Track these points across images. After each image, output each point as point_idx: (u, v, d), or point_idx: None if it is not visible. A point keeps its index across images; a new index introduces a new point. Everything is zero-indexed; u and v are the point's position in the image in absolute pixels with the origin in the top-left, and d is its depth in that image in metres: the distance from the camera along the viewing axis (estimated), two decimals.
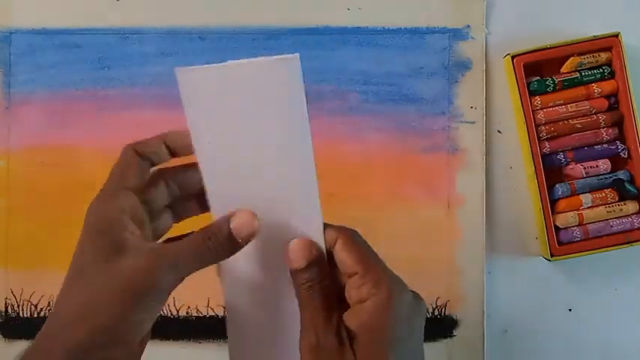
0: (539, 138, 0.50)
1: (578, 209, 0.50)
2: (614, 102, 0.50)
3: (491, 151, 0.52)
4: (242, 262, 0.36)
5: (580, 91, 0.50)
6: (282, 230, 0.35)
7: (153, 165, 0.37)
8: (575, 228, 0.49)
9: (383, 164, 0.52)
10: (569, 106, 0.50)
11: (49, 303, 0.51)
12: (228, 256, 0.34)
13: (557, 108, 0.50)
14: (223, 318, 0.51)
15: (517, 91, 0.50)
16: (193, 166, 0.36)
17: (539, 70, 0.51)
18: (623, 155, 0.50)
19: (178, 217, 0.39)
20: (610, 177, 0.50)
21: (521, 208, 0.52)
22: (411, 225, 0.51)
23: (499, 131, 0.52)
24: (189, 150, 0.36)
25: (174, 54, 0.52)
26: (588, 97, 0.50)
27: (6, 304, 0.51)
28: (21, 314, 0.51)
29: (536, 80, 0.50)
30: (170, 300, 0.51)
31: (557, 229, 0.50)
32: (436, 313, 0.51)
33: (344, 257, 0.34)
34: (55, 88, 0.52)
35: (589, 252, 0.49)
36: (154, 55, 0.52)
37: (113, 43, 0.52)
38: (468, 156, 0.52)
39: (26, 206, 0.51)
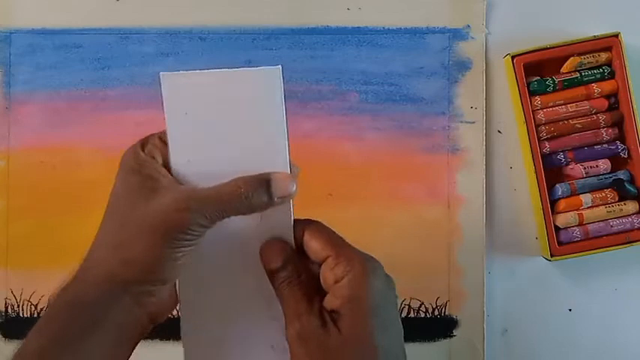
0: (539, 138, 0.50)
1: (578, 209, 0.50)
2: (614, 102, 0.50)
3: (491, 151, 0.52)
4: (207, 262, 0.37)
5: (580, 91, 0.50)
6: (255, 232, 0.36)
7: None
8: (575, 228, 0.49)
9: (383, 164, 0.52)
10: (569, 106, 0.50)
11: (49, 303, 0.51)
12: (258, 211, 0.35)
13: (557, 108, 0.50)
14: None
15: (517, 91, 0.50)
16: None
17: (539, 70, 0.51)
18: (623, 155, 0.50)
19: None
20: (610, 177, 0.50)
21: (521, 208, 0.52)
22: (411, 225, 0.51)
23: (499, 131, 0.52)
24: None
25: (174, 54, 0.52)
26: (588, 97, 0.50)
27: (6, 304, 0.51)
28: (21, 314, 0.51)
29: (536, 80, 0.50)
30: None
31: (557, 229, 0.50)
32: (436, 313, 0.51)
33: (314, 245, 0.35)
34: (55, 88, 0.52)
35: (589, 252, 0.49)
36: (154, 55, 0.52)
37: (113, 43, 0.52)
38: (468, 156, 0.52)
39: (26, 206, 0.51)
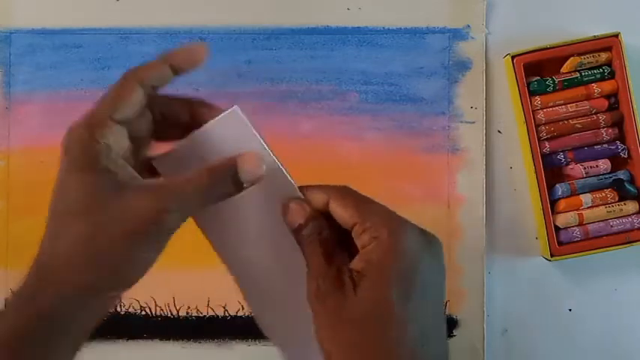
0: (539, 138, 0.50)
1: (578, 209, 0.50)
2: (614, 102, 0.50)
3: (491, 151, 0.52)
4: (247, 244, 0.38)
5: (580, 91, 0.50)
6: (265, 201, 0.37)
7: (155, 89, 0.35)
8: (575, 228, 0.49)
9: (383, 164, 0.52)
10: (569, 106, 0.50)
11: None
12: (229, 197, 0.34)
13: (557, 108, 0.50)
14: (223, 318, 0.51)
15: (517, 91, 0.50)
16: (180, 99, 0.36)
17: (539, 70, 0.51)
18: (623, 155, 0.50)
19: (156, 141, 0.38)
20: (610, 177, 0.50)
21: (521, 208, 0.52)
22: None
23: (499, 131, 0.52)
24: (195, 65, 0.36)
25: None
26: (588, 97, 0.50)
27: (6, 304, 0.51)
28: None
29: (536, 80, 0.50)
30: (170, 300, 0.51)
31: (557, 229, 0.50)
32: None
33: (340, 213, 0.35)
34: (55, 88, 0.52)
35: (589, 252, 0.49)
36: (154, 55, 0.51)
37: (113, 43, 0.52)
38: (468, 156, 0.52)
39: (26, 206, 0.51)
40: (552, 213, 0.50)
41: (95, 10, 0.52)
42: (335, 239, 0.35)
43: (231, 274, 0.38)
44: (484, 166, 0.52)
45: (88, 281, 0.32)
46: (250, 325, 0.50)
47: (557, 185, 0.50)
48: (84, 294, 0.32)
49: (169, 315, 0.51)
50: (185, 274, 0.51)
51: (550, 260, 0.49)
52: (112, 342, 0.51)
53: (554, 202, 0.50)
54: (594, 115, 0.50)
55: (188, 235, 0.49)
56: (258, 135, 0.37)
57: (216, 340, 0.51)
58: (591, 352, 0.52)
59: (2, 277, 0.51)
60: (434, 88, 0.52)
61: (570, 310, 0.52)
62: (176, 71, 0.35)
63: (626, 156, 0.50)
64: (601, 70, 0.50)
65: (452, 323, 0.51)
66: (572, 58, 0.50)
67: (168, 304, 0.51)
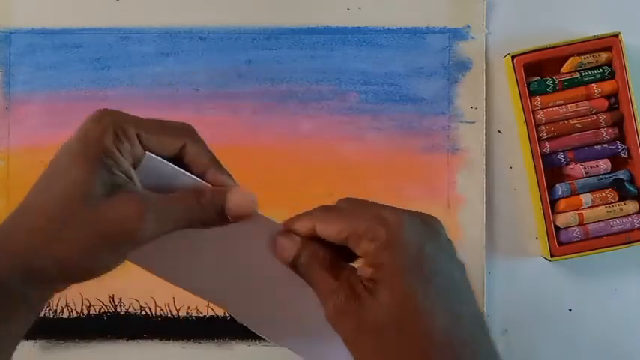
0: (539, 138, 0.50)
1: (578, 209, 0.50)
2: (614, 102, 0.50)
3: (491, 151, 0.52)
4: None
5: (580, 91, 0.50)
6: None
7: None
8: (575, 228, 0.49)
9: (383, 164, 0.51)
10: (569, 106, 0.50)
11: (48, 303, 0.51)
12: (213, 227, 0.33)
13: (557, 108, 0.50)
14: (223, 318, 0.51)
15: (517, 91, 0.50)
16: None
17: (539, 70, 0.51)
18: (623, 155, 0.50)
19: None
20: (610, 177, 0.50)
21: (521, 208, 0.52)
22: None
23: (499, 131, 0.52)
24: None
25: (174, 54, 0.52)
26: (588, 97, 0.50)
27: None
28: None
29: (536, 80, 0.50)
30: (170, 300, 0.51)
31: (557, 229, 0.50)
32: None
33: (329, 232, 0.34)
34: (55, 88, 0.52)
35: (589, 252, 0.49)
36: (154, 55, 0.52)
37: (113, 43, 0.52)
38: (468, 156, 0.52)
39: None
40: (552, 213, 0.50)
41: (95, 10, 0.52)
42: (334, 255, 0.34)
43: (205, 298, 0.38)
44: (484, 166, 0.52)
45: (42, 263, 0.31)
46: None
47: (557, 185, 0.50)
48: (34, 274, 0.31)
49: (169, 315, 0.51)
50: None
51: (550, 260, 0.49)
52: (112, 342, 0.51)
53: (554, 202, 0.50)
54: (594, 115, 0.50)
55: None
56: (185, 172, 0.34)
57: (216, 340, 0.51)
58: (591, 352, 0.52)
59: None
60: (434, 88, 0.52)
61: (570, 310, 0.52)
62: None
63: (626, 156, 0.50)
64: (601, 70, 0.50)
65: None
66: (572, 58, 0.50)
67: (168, 304, 0.51)
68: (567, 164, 0.50)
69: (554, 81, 0.50)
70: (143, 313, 0.51)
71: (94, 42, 0.52)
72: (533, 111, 0.50)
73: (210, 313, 0.51)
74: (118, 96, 0.52)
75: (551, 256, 0.49)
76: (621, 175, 0.50)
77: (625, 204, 0.50)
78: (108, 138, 0.32)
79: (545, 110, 0.50)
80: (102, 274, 0.32)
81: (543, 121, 0.50)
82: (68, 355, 0.51)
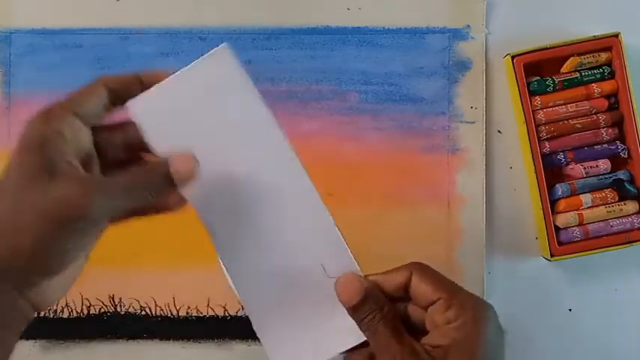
0: (539, 138, 0.50)
1: (578, 209, 0.50)
2: (614, 102, 0.50)
3: (491, 151, 0.52)
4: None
5: (580, 91, 0.50)
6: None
7: (121, 100, 0.35)
8: (575, 228, 0.49)
9: (383, 164, 0.52)
10: (569, 106, 0.50)
11: None
12: (161, 196, 0.34)
13: (557, 108, 0.50)
14: (224, 318, 0.51)
15: (517, 91, 0.50)
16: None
17: (539, 70, 0.51)
18: (623, 155, 0.50)
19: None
20: (610, 177, 0.50)
21: (521, 208, 0.52)
22: (411, 225, 0.51)
23: (499, 131, 0.52)
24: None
25: (174, 54, 0.52)
26: (588, 97, 0.50)
27: None
28: None
29: (536, 80, 0.50)
30: (170, 300, 0.51)
31: (557, 229, 0.50)
32: None
33: (423, 288, 0.35)
34: (55, 88, 0.52)
35: (589, 252, 0.49)
36: (154, 55, 0.52)
37: (113, 43, 0.52)
38: (468, 156, 0.52)
39: None
40: (552, 213, 0.50)
41: (95, 10, 0.52)
42: (396, 314, 0.35)
43: (227, 274, 0.38)
44: (484, 166, 0.52)
45: (2, 258, 0.31)
46: (250, 325, 0.50)
47: (557, 185, 0.50)
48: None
49: (169, 315, 0.51)
50: (185, 274, 0.51)
51: (550, 260, 0.49)
52: (112, 342, 0.51)
53: (554, 202, 0.50)
54: (594, 115, 0.50)
55: (188, 235, 0.49)
56: (250, 84, 0.36)
57: (216, 340, 0.51)
58: (591, 352, 0.52)
59: None
60: (434, 88, 0.52)
61: (570, 310, 0.52)
62: (143, 87, 0.35)
63: (626, 156, 0.50)
64: (601, 70, 0.50)
65: None
66: (572, 58, 0.50)
67: (168, 304, 0.51)
68: (567, 164, 0.50)
69: (554, 81, 0.50)
70: (143, 313, 0.51)
71: (94, 42, 0.52)
72: (533, 111, 0.50)
73: (210, 313, 0.51)
74: None
75: (551, 256, 0.49)
76: (621, 175, 0.50)
77: (625, 204, 0.50)
78: (38, 126, 0.32)
79: (545, 110, 0.50)
80: (62, 268, 0.32)
81: (543, 121, 0.50)
82: (68, 355, 0.51)
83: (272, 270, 0.38)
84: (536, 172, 0.49)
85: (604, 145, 0.50)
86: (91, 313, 0.51)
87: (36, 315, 0.34)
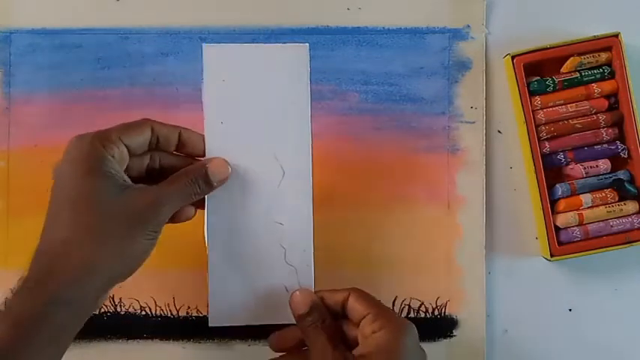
0: (539, 138, 0.50)
1: (578, 209, 0.50)
2: (614, 102, 0.50)
3: (491, 151, 0.52)
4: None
5: (580, 91, 0.50)
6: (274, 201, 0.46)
7: (158, 142, 0.42)
8: (575, 228, 0.49)
9: (383, 164, 0.52)
10: (569, 106, 0.50)
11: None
12: (205, 193, 0.43)
13: (557, 108, 0.50)
14: None
15: (517, 91, 0.50)
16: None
17: (539, 70, 0.51)
18: (623, 155, 0.50)
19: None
20: (610, 177, 0.50)
21: (521, 208, 0.52)
22: (411, 225, 0.51)
23: (499, 131, 0.52)
24: (196, 151, 0.44)
25: (174, 54, 0.52)
26: (588, 97, 0.50)
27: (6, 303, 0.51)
28: None
29: (536, 80, 0.50)
30: (170, 300, 0.51)
31: (557, 229, 0.50)
32: (436, 313, 0.51)
33: (357, 306, 0.41)
34: (55, 88, 0.52)
35: (589, 252, 0.49)
36: (154, 55, 0.52)
37: (113, 43, 0.52)
38: (468, 156, 0.52)
39: (26, 206, 0.51)
40: (552, 213, 0.50)
41: (95, 10, 0.52)
42: (337, 328, 0.42)
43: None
44: (484, 166, 0.52)
45: (95, 265, 0.36)
46: (250, 325, 0.50)
47: (557, 185, 0.50)
48: (89, 279, 0.36)
49: (169, 315, 0.51)
50: (185, 274, 0.51)
51: (550, 260, 0.49)
52: (112, 342, 0.51)
53: (554, 202, 0.50)
54: (594, 115, 0.50)
55: (188, 235, 0.49)
56: (308, 82, 0.44)
57: (216, 340, 0.51)
58: (591, 352, 0.52)
59: (2, 277, 0.51)
60: (434, 88, 0.52)
61: (570, 310, 0.52)
62: (183, 144, 0.43)
63: (626, 156, 0.50)
64: (601, 70, 0.50)
65: (452, 323, 0.51)
66: (572, 58, 0.50)
67: (168, 304, 0.51)
68: (567, 164, 0.50)
69: (554, 81, 0.50)
70: (143, 313, 0.51)
71: (94, 42, 0.52)
72: (533, 111, 0.50)
73: None
74: (118, 96, 0.52)
75: (551, 256, 0.49)
76: (621, 175, 0.50)
77: (625, 204, 0.50)
78: (98, 148, 0.38)
79: (545, 110, 0.50)
80: (143, 260, 0.39)
81: (543, 121, 0.50)
82: (68, 355, 0.51)
83: (246, 246, 0.46)
84: (536, 172, 0.49)
85: (604, 145, 0.50)
86: None
87: None
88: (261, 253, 0.46)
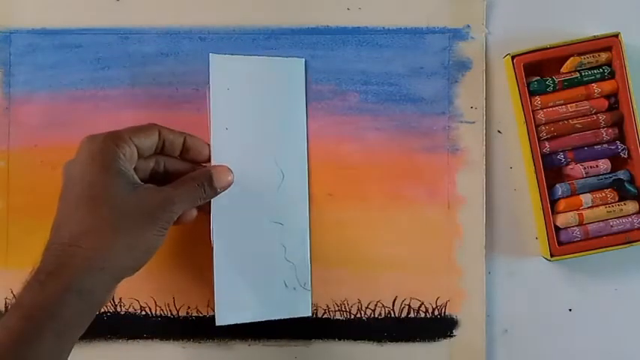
0: (539, 138, 0.50)
1: (578, 209, 0.50)
2: (614, 102, 0.50)
3: (491, 151, 0.52)
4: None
5: (580, 91, 0.50)
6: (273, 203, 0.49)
7: (163, 146, 0.45)
8: (575, 228, 0.49)
9: (383, 164, 0.52)
10: (569, 106, 0.50)
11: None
12: (210, 198, 0.46)
13: (557, 108, 0.50)
14: None
15: (517, 91, 0.50)
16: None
17: (539, 70, 0.51)
18: (623, 155, 0.50)
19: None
20: (610, 177, 0.50)
21: (521, 208, 0.52)
22: (411, 225, 0.51)
23: (499, 131, 0.52)
24: (199, 157, 0.47)
25: (174, 54, 0.52)
26: (588, 97, 0.50)
27: (6, 304, 0.51)
28: None
29: (536, 80, 0.50)
30: (170, 300, 0.51)
31: (557, 229, 0.50)
32: (436, 313, 0.51)
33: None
34: (55, 88, 0.52)
35: (589, 252, 0.49)
36: (154, 55, 0.52)
37: (113, 43, 0.52)
38: (468, 156, 0.52)
39: (26, 206, 0.51)
40: (552, 213, 0.50)
41: (95, 10, 0.52)
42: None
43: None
44: (484, 166, 0.52)
45: (107, 257, 0.38)
46: (250, 325, 0.50)
47: (557, 185, 0.50)
48: (101, 270, 0.38)
49: (169, 315, 0.51)
50: (185, 274, 0.51)
51: (550, 260, 0.49)
52: (112, 342, 0.51)
53: (554, 202, 0.50)
54: (594, 115, 0.50)
55: (188, 236, 0.49)
56: (304, 94, 0.50)
57: (216, 340, 0.51)
58: (591, 352, 0.52)
59: (2, 277, 0.51)
60: (434, 88, 0.52)
61: (570, 310, 0.52)
62: (187, 150, 0.46)
63: (626, 156, 0.50)
64: (601, 70, 0.50)
65: (452, 323, 0.51)
66: (572, 58, 0.50)
67: (168, 304, 0.51)
68: (567, 164, 0.50)
69: (554, 81, 0.50)
70: (143, 313, 0.51)
71: (94, 42, 0.52)
72: (533, 111, 0.50)
73: (210, 313, 0.51)
74: (118, 96, 0.52)
75: (551, 256, 0.49)
76: (621, 175, 0.50)
77: (625, 204, 0.50)
78: (111, 146, 0.40)
79: (545, 110, 0.50)
80: (151, 255, 0.41)
81: (543, 121, 0.50)
82: None
83: (249, 246, 0.48)
84: (536, 172, 0.49)
85: (604, 145, 0.50)
86: None
87: None
88: (263, 252, 0.49)
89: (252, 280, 0.49)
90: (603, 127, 0.50)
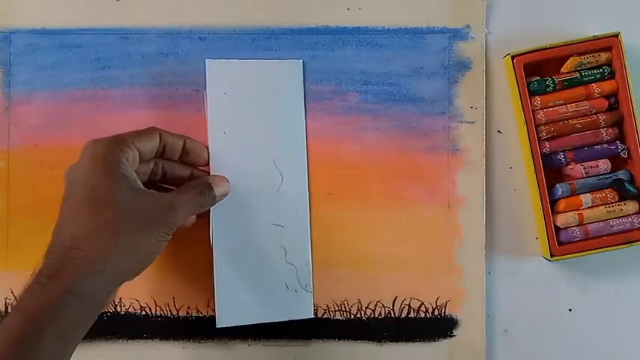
0: (539, 138, 0.50)
1: (578, 209, 0.50)
2: (614, 102, 0.50)
3: (491, 151, 0.52)
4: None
5: (580, 91, 0.50)
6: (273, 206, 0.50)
7: (164, 149, 0.45)
8: (575, 228, 0.49)
9: (383, 164, 0.52)
10: (569, 106, 0.50)
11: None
12: (209, 205, 0.46)
13: (557, 108, 0.50)
14: None
15: (517, 91, 0.50)
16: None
17: (539, 70, 0.51)
18: (623, 155, 0.50)
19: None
20: (610, 177, 0.50)
21: (521, 208, 0.52)
22: (411, 225, 0.51)
23: (499, 131, 0.52)
24: (199, 160, 0.47)
25: (174, 54, 0.52)
26: (588, 97, 0.50)
27: (6, 304, 0.51)
28: None
29: (536, 80, 0.50)
30: (170, 300, 0.51)
31: (557, 229, 0.50)
32: (436, 313, 0.51)
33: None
34: (55, 88, 0.52)
35: (589, 252, 0.49)
36: (154, 55, 0.52)
37: (113, 43, 0.52)
38: (468, 156, 0.52)
39: (26, 206, 0.51)
40: (552, 213, 0.50)
41: (95, 10, 0.52)
42: None
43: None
44: (484, 166, 0.52)
45: (109, 259, 0.38)
46: (250, 326, 0.50)
47: (557, 185, 0.50)
48: (102, 272, 0.38)
49: (169, 315, 0.51)
50: (185, 274, 0.51)
51: (550, 260, 0.49)
52: (112, 342, 0.51)
53: (554, 202, 0.50)
54: (594, 115, 0.50)
55: (188, 236, 0.49)
56: (303, 94, 0.49)
57: (216, 340, 0.51)
58: (591, 352, 0.52)
59: (2, 277, 0.51)
60: (434, 88, 0.52)
61: (570, 310, 0.52)
62: (187, 153, 0.47)
63: (626, 156, 0.50)
64: (601, 70, 0.50)
65: (452, 323, 0.51)
66: (572, 58, 0.50)
67: (168, 304, 0.51)
68: (567, 164, 0.50)
69: (554, 81, 0.50)
70: (143, 313, 0.51)
71: (94, 42, 0.52)
72: (533, 111, 0.50)
73: (210, 313, 0.51)
74: (118, 96, 0.52)
75: (551, 256, 0.49)
76: (621, 175, 0.50)
77: (625, 204, 0.50)
78: (115, 151, 0.40)
79: (545, 110, 0.50)
80: (153, 259, 0.41)
81: (543, 121, 0.50)
82: None
83: (249, 248, 0.49)
84: (536, 172, 0.49)
85: (604, 145, 0.50)
86: None
87: None
88: (263, 255, 0.49)
89: (253, 283, 0.49)
90: (603, 127, 0.50)
